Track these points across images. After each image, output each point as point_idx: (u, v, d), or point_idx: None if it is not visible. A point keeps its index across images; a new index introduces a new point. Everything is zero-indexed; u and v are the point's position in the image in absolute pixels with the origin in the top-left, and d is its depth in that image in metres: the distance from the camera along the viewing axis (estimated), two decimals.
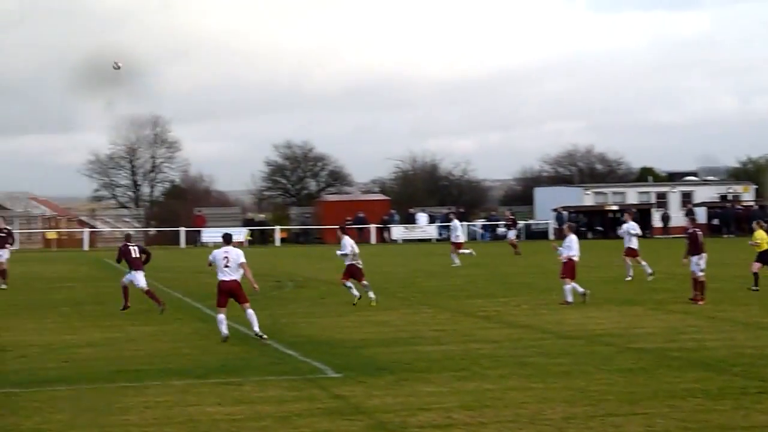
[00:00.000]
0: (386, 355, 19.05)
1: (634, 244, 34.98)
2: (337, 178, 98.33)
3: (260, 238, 72.64)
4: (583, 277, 29.63)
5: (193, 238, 71.29)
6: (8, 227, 34.28)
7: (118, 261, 27.58)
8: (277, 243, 71.58)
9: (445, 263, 45.02)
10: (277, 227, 74.72)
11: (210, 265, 21.67)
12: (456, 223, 47.92)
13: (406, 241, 71.69)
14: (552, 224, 72.93)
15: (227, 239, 21.84)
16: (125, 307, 26.60)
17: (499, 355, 18.92)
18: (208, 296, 30.06)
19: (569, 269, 27.51)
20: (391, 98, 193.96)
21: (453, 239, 46.64)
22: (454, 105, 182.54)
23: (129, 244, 27.39)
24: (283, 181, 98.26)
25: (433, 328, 23.00)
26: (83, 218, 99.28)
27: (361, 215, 71.83)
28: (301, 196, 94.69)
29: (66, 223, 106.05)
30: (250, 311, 21.12)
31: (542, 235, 72.86)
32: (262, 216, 79.69)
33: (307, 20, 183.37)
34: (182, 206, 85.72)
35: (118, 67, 33.14)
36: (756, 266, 29.86)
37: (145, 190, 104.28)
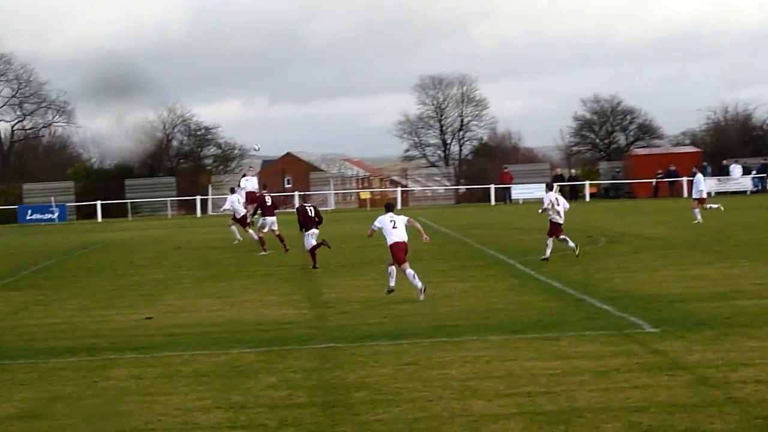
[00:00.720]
0: (704, 310, 18.51)
1: None
2: (647, 131, 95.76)
3: (570, 194, 72.06)
4: None
5: (503, 195, 71.63)
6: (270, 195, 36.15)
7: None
8: (587, 198, 70.81)
9: (763, 215, 43.23)
10: (587, 182, 73.88)
11: (371, 234, 22.70)
12: (699, 176, 44.09)
13: (719, 193, 69.18)
14: None
15: (389, 208, 22.78)
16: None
17: None
18: (521, 252, 30.25)
19: None
20: (700, 48, 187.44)
21: (695, 194, 42.88)
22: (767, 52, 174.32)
23: (305, 204, 30.07)
24: (592, 135, 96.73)
25: (753, 282, 22.10)
26: (395, 178, 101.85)
27: (673, 168, 69.84)
28: (610, 150, 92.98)
29: (378, 183, 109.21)
30: (410, 271, 21.55)
31: None
32: (572, 172, 79.02)
33: None
34: (491, 164, 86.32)
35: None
36: None
37: (454, 148, 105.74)
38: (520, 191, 70.57)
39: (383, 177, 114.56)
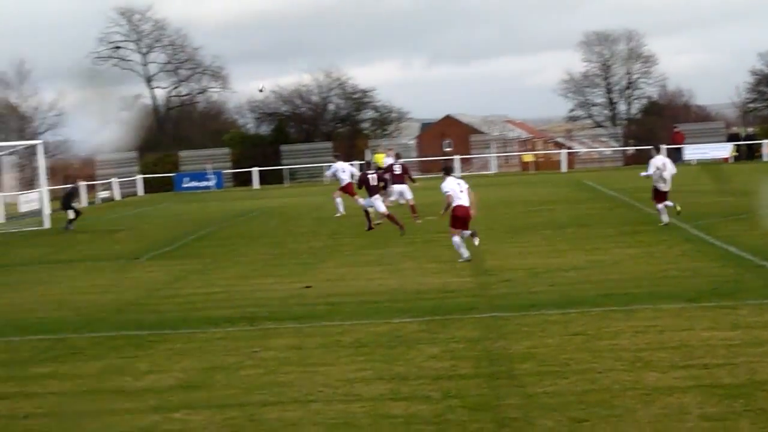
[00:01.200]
0: None
1: None
2: None
3: (747, 154, 69.45)
4: None
5: (673, 156, 69.56)
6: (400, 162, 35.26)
7: (359, 188, 31.06)
8: (765, 158, 68.12)
9: None
10: (765, 141, 71.12)
11: (447, 207, 22.38)
12: None
13: None
14: None
15: (449, 171, 23.19)
16: (369, 228, 29.95)
17: None
18: (694, 216, 29.03)
19: None
20: None
21: None
22: None
23: (368, 172, 30.34)
24: None
25: None
26: (559, 140, 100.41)
27: None
28: None
29: (542, 144, 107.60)
30: (477, 239, 22.28)
31: None
32: (749, 130, 76.12)
33: None
34: (660, 123, 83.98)
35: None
36: None
37: (621, 107, 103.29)
38: (692, 151, 68.37)
39: (547, 139, 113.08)
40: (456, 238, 22.36)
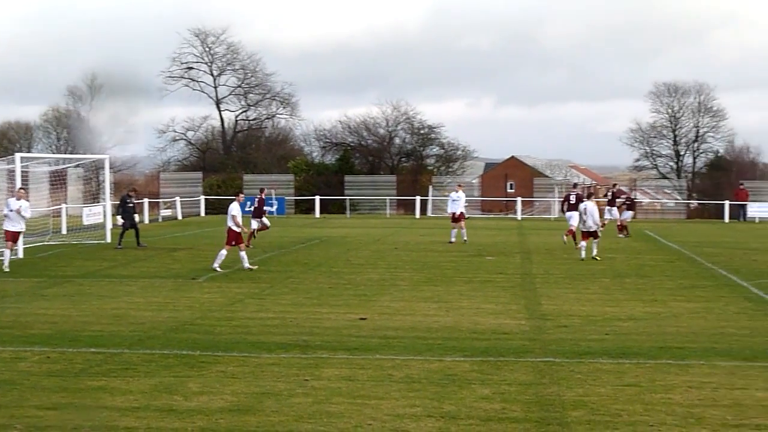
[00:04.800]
0: None
1: None
2: None
3: None
4: None
5: (737, 213, 68.82)
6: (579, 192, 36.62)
7: None
8: None
9: None
10: None
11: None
12: None
13: None
14: None
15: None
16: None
17: None
18: (755, 274, 28.74)
19: None
20: None
21: None
22: None
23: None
24: None
25: None
26: (623, 188, 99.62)
27: None
28: None
29: (605, 192, 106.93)
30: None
31: None
32: None
33: None
34: (726, 178, 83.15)
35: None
36: None
37: (687, 160, 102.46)
38: (756, 209, 67.58)
39: (610, 186, 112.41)
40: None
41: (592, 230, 33.49)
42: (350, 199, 73.31)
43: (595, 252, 33.32)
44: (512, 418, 12.24)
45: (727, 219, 67.56)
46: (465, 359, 15.89)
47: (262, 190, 44.36)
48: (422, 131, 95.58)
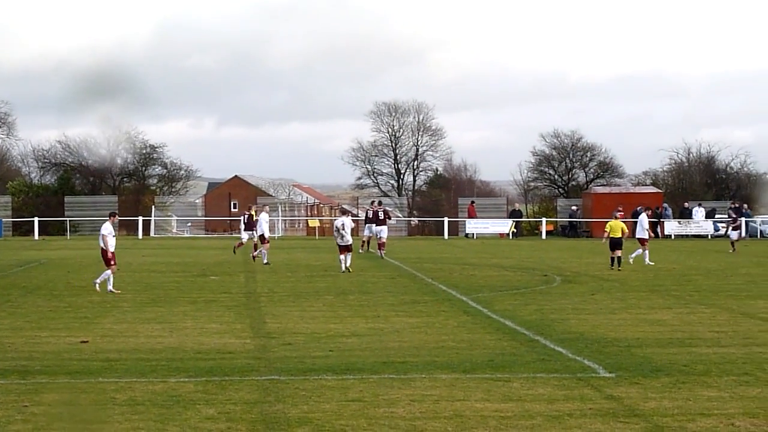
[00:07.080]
0: (661, 356, 18.03)
1: None
2: (607, 169, 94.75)
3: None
4: None
5: (455, 229, 71.21)
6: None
7: None
8: (543, 236, 70.52)
9: (724, 261, 43.20)
10: (543, 219, 73.74)
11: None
12: (643, 216, 43.49)
13: (678, 236, 68.99)
14: None
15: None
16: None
17: None
18: (473, 288, 29.77)
19: None
20: (662, 87, 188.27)
21: (638, 234, 42.38)
22: (730, 95, 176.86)
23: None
24: (551, 171, 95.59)
25: (712, 330, 21.68)
26: (345, 207, 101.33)
27: (640, 209, 69.22)
28: (568, 187, 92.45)
29: (328, 210, 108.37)
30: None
31: None
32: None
33: (570, 13, 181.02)
34: (445, 195, 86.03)
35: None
36: None
37: (408, 178, 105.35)
38: (474, 225, 70.06)
39: (333, 205, 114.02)
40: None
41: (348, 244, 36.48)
42: (70, 220, 71.36)
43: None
44: None
45: (446, 235, 69.77)
46: (189, 380, 15.66)
47: (249, 207, 44.02)
48: (144, 151, 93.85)
